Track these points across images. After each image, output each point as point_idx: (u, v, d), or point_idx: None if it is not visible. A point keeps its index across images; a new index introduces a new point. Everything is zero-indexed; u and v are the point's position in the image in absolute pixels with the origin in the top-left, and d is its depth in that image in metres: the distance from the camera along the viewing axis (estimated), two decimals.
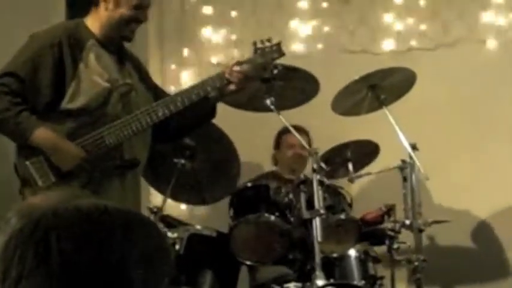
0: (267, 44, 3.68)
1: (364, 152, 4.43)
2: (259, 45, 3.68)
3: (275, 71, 3.81)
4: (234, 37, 5.57)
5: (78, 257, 1.10)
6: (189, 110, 3.55)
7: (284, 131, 4.76)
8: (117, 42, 3.57)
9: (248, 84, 3.69)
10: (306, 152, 4.47)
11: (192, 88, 3.58)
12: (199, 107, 3.60)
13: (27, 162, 3.33)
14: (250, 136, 5.03)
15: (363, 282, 4.02)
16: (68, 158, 3.32)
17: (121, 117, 3.42)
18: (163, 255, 1.17)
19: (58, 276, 1.09)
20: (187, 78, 5.52)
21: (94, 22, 3.50)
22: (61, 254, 1.10)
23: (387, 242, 4.17)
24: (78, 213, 1.14)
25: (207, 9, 5.62)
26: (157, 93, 3.70)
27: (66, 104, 3.36)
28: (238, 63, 3.63)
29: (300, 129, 4.57)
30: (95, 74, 3.41)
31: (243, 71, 3.58)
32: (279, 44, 3.70)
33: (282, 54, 3.70)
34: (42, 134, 3.32)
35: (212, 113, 3.73)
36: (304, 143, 4.10)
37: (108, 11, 3.45)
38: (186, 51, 5.64)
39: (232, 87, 3.58)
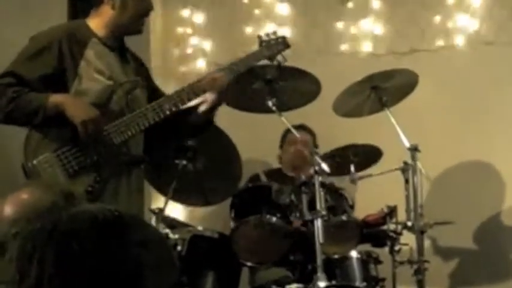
0: (272, 36, 3.70)
1: (366, 155, 4.42)
2: (264, 38, 3.69)
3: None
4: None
5: (97, 263, 1.10)
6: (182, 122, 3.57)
7: (288, 130, 4.76)
8: (120, 39, 3.57)
9: (227, 95, 3.65)
10: (308, 150, 4.50)
11: (197, 82, 3.58)
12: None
13: (35, 161, 3.32)
14: (252, 137, 5.03)
15: (364, 283, 4.02)
16: (83, 110, 3.31)
17: (126, 114, 3.43)
18: (172, 263, 1.19)
19: (78, 281, 1.09)
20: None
21: (97, 21, 3.50)
22: (82, 259, 1.10)
23: (389, 243, 4.16)
24: (95, 219, 1.14)
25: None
26: (156, 95, 3.68)
27: None
28: (215, 72, 3.60)
29: (305, 129, 4.60)
30: (96, 72, 3.41)
31: (221, 80, 3.54)
32: (284, 37, 3.72)
33: (287, 46, 3.71)
34: (57, 95, 3.33)
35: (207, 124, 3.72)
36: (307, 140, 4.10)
37: (116, 9, 3.45)
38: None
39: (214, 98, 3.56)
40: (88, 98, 3.37)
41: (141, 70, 3.69)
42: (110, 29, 3.48)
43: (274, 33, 3.74)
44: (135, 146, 3.49)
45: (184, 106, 3.52)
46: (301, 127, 4.56)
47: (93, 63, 3.41)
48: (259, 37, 3.71)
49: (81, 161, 3.34)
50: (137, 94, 3.53)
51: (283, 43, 3.71)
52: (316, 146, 4.60)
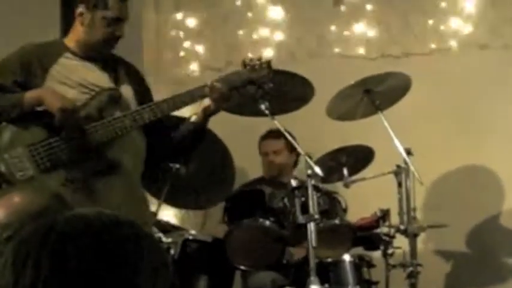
0: (257, 62, 3.61)
1: (359, 156, 4.43)
2: (247, 61, 3.61)
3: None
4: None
5: (93, 267, 1.10)
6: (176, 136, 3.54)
7: (261, 138, 4.82)
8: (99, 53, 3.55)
9: (227, 103, 3.61)
10: (280, 157, 4.62)
11: (178, 96, 3.53)
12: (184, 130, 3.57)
13: (6, 155, 3.30)
14: (245, 141, 5.03)
15: (357, 287, 4.02)
16: (61, 99, 3.29)
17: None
18: (167, 268, 1.18)
19: (73, 285, 1.09)
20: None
21: (71, 36, 3.51)
22: (78, 263, 1.10)
23: (382, 246, 4.17)
24: (90, 222, 1.14)
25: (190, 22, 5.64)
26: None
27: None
28: (219, 80, 3.56)
29: (276, 135, 4.52)
30: (62, 84, 3.40)
31: (222, 89, 3.50)
32: (269, 62, 3.64)
33: (271, 71, 3.62)
34: (35, 89, 3.34)
35: (200, 135, 3.67)
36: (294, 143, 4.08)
37: (85, 26, 3.43)
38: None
39: (212, 106, 3.52)
40: None
41: (133, 79, 3.64)
42: (81, 45, 3.47)
43: (260, 58, 3.67)
44: (117, 152, 3.43)
45: (163, 115, 3.47)
46: (270, 134, 4.54)
47: (63, 76, 3.41)
48: (244, 61, 3.63)
49: (54, 158, 3.32)
50: (116, 103, 3.48)
51: (267, 67, 3.61)
52: (294, 148, 4.55)
